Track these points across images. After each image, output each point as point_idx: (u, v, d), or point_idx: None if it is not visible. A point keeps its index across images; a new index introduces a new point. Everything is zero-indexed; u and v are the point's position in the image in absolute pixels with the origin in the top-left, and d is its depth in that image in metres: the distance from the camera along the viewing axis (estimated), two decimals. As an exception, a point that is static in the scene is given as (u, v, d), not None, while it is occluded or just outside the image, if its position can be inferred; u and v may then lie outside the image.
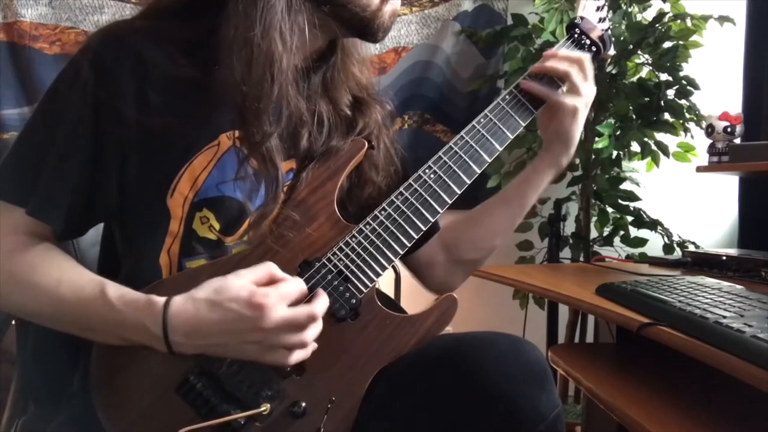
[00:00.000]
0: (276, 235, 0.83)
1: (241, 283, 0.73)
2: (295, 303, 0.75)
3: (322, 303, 0.76)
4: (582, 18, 1.02)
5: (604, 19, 1.04)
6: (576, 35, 1.01)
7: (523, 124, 0.94)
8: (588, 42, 1.02)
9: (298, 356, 0.75)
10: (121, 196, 0.80)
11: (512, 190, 1.02)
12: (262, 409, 0.77)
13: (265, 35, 0.78)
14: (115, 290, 0.75)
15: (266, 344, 0.73)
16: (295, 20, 0.81)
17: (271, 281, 0.75)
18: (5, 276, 0.77)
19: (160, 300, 0.73)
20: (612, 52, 1.08)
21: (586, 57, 0.97)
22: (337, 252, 0.83)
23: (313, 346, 0.77)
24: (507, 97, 0.95)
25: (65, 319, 0.77)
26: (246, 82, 0.78)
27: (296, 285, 0.76)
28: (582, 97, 0.95)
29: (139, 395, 0.77)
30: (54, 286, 0.76)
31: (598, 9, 1.04)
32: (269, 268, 0.76)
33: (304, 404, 0.79)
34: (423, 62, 2.32)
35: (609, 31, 1.04)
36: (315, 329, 0.75)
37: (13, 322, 1.02)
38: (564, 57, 0.96)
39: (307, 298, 0.77)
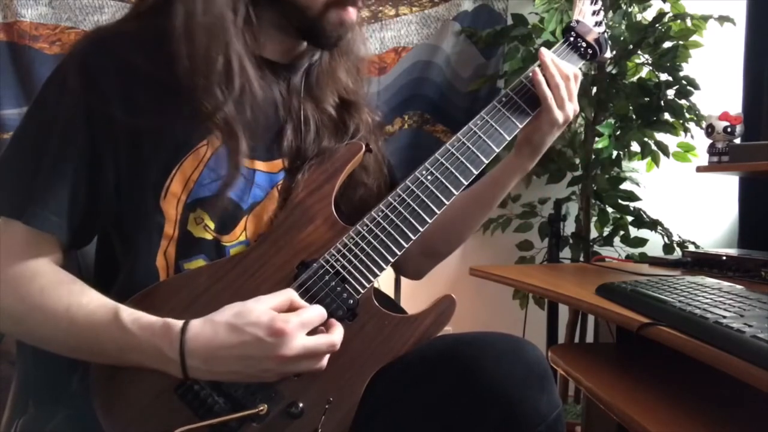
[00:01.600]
0: (274, 236, 0.83)
1: (262, 308, 0.73)
2: (314, 329, 0.75)
3: (339, 332, 0.77)
4: (578, 21, 1.03)
5: (601, 22, 1.05)
6: (572, 38, 1.02)
7: (520, 126, 0.95)
8: (584, 45, 1.02)
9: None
10: (118, 199, 0.80)
11: (481, 189, 1.04)
12: (259, 409, 0.77)
13: (207, 11, 0.78)
14: (129, 314, 0.74)
15: (283, 370, 0.74)
16: (240, 8, 0.81)
17: (291, 308, 0.75)
18: (15, 301, 0.76)
19: (178, 324, 0.73)
20: (609, 54, 1.08)
21: (574, 73, 0.97)
22: (335, 253, 0.83)
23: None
24: (503, 99, 0.95)
25: (77, 345, 0.76)
26: (191, 58, 0.77)
27: (316, 312, 0.76)
28: (564, 111, 0.95)
29: (137, 395, 0.77)
30: (64, 312, 0.75)
31: (594, 13, 1.04)
32: (289, 294, 0.76)
33: (301, 405, 0.79)
34: (423, 62, 2.32)
35: (605, 34, 1.05)
36: (328, 356, 0.76)
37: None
38: (557, 69, 0.95)
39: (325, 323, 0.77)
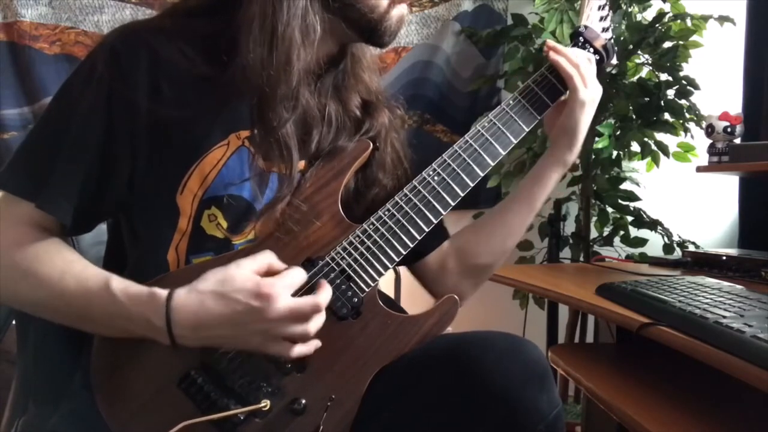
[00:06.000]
0: (280, 233, 0.83)
1: (244, 273, 0.73)
2: (298, 292, 0.76)
3: (325, 294, 0.77)
4: (586, 27, 1.02)
5: (608, 28, 1.05)
6: (579, 43, 1.02)
7: (527, 129, 0.94)
8: (591, 50, 1.02)
9: (300, 350, 0.76)
10: (132, 191, 0.81)
11: (521, 190, 1.02)
12: (262, 405, 0.77)
13: (288, 24, 0.79)
14: (119, 283, 0.75)
15: (270, 335, 0.74)
16: (315, 15, 0.81)
17: (270, 271, 0.76)
18: (9, 266, 0.77)
19: (163, 293, 0.73)
20: (615, 61, 1.08)
21: (584, 60, 0.96)
22: (340, 251, 0.83)
23: (315, 343, 0.77)
24: (511, 102, 0.95)
25: (67, 311, 0.77)
26: (267, 67, 0.78)
27: (298, 273, 0.77)
28: (590, 90, 0.95)
29: (140, 389, 0.78)
30: (58, 277, 0.76)
31: (601, 18, 1.04)
32: (268, 257, 0.77)
33: (304, 401, 0.79)
34: (423, 62, 2.32)
35: (612, 41, 1.05)
36: (318, 320, 0.76)
37: (14, 322, 1.03)
38: (565, 56, 0.95)
39: (309, 288, 0.78)
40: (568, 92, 0.96)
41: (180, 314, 0.72)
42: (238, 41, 0.79)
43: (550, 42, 0.97)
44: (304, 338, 0.76)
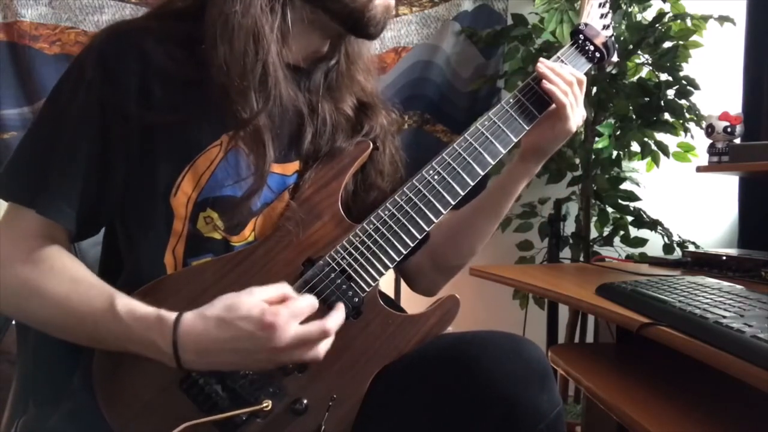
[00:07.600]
0: (280, 233, 0.83)
1: (252, 300, 0.72)
2: (307, 318, 0.74)
3: (336, 317, 0.76)
4: (586, 24, 1.02)
5: (609, 26, 1.04)
6: (580, 41, 1.01)
7: (527, 128, 0.94)
8: (592, 48, 1.01)
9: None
10: (126, 194, 0.80)
11: (487, 200, 1.03)
12: (264, 405, 0.78)
13: (246, 13, 0.78)
14: (124, 304, 0.74)
15: (277, 361, 0.73)
16: (284, 5, 0.81)
17: (284, 301, 0.74)
18: (18, 284, 0.76)
19: (171, 316, 0.72)
20: (616, 58, 1.07)
21: (577, 78, 0.96)
22: (341, 250, 0.83)
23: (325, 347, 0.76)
24: (511, 100, 0.94)
25: (75, 331, 0.77)
26: (229, 60, 0.78)
27: (307, 301, 0.75)
28: (576, 119, 0.96)
29: (141, 389, 0.78)
30: (65, 297, 0.75)
31: (602, 16, 1.04)
32: (283, 288, 0.75)
33: (305, 401, 0.79)
34: (423, 62, 2.32)
35: (613, 38, 1.04)
36: (327, 343, 0.74)
37: (14, 322, 1.02)
38: (560, 78, 0.94)
39: (322, 310, 0.76)
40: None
41: (186, 339, 0.71)
42: (205, 37, 0.79)
43: (541, 67, 0.94)
44: (314, 361, 0.74)
